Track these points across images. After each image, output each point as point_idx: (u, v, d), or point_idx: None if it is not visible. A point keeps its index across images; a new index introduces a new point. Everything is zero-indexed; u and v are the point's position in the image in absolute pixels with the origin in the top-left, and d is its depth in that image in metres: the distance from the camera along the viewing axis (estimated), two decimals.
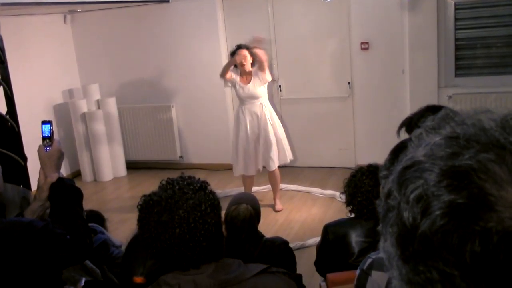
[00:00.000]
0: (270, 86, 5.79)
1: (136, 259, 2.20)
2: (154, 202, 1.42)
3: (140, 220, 1.45)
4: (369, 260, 1.55)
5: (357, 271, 1.59)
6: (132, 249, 2.32)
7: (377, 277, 1.50)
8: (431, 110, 2.29)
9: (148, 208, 1.43)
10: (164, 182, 1.49)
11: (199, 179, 1.52)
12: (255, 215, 2.76)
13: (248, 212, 2.69)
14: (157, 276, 1.50)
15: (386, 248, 0.57)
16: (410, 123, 2.34)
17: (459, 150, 0.51)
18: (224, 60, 5.83)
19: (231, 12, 6.42)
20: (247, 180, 5.35)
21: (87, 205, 2.28)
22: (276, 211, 5.28)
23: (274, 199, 5.39)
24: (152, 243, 1.43)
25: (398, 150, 0.62)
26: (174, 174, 1.57)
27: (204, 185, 1.49)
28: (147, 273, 2.03)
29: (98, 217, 3.17)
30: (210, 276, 1.43)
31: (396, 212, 0.55)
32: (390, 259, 0.56)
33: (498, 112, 0.55)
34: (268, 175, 5.31)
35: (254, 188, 5.53)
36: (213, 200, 1.47)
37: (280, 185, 5.51)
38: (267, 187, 5.77)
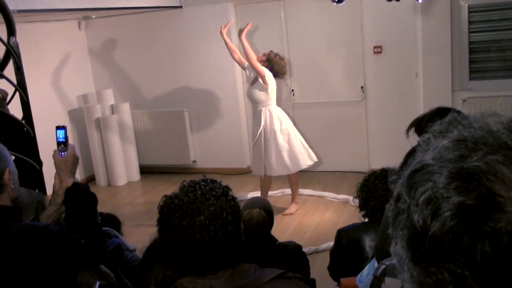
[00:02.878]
0: (280, 89, 5.78)
1: (154, 266, 2.20)
2: (176, 206, 1.41)
3: (160, 223, 1.44)
4: (382, 267, 1.54)
5: (370, 277, 1.58)
6: (150, 255, 2.32)
7: (390, 283, 1.49)
8: (441, 112, 2.27)
9: (169, 211, 1.42)
10: (185, 184, 1.48)
11: (221, 184, 1.50)
12: (268, 220, 2.75)
13: (261, 216, 2.68)
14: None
15: (397, 251, 0.58)
16: (420, 124, 2.33)
17: (467, 153, 0.52)
18: (237, 66, 5.81)
19: (244, 17, 6.43)
20: (265, 183, 5.31)
21: (101, 209, 2.30)
22: (284, 214, 5.27)
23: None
24: (170, 247, 1.42)
25: (408, 155, 0.63)
26: (187, 179, 1.54)
27: (226, 191, 1.48)
28: (166, 283, 2.03)
29: (114, 221, 3.19)
30: (226, 281, 1.43)
31: (406, 215, 0.55)
32: (401, 262, 0.57)
33: (504, 115, 0.56)
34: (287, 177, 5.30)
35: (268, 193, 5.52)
36: (234, 207, 1.46)
37: None
38: (280, 192, 5.77)
